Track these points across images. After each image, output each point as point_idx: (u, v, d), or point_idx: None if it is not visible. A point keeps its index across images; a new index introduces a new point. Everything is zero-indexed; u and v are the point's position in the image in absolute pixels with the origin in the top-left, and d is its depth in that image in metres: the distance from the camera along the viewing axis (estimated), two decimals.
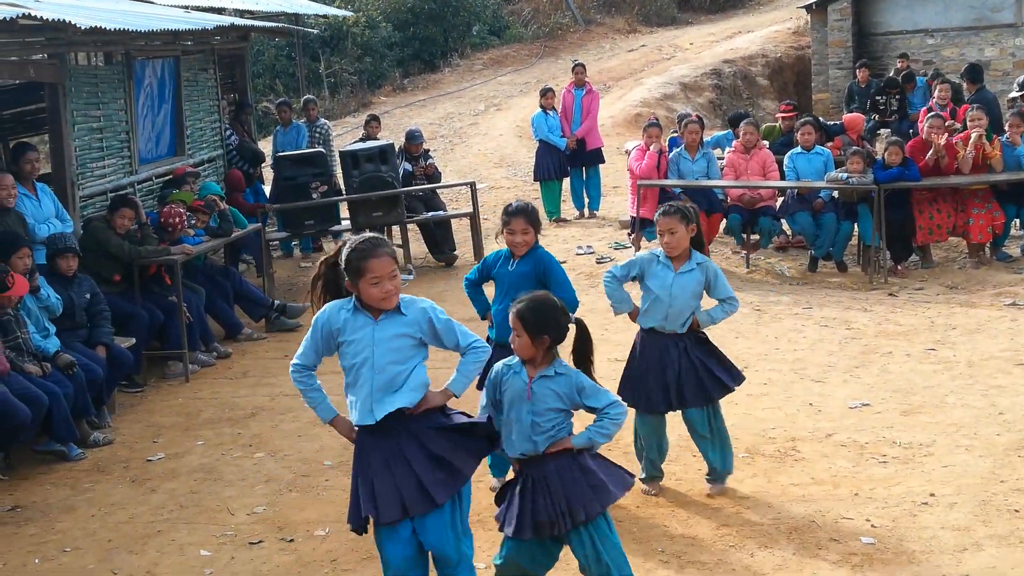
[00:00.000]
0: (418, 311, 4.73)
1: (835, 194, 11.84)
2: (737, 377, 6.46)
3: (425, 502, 4.63)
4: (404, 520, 4.65)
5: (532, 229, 6.36)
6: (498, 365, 5.00)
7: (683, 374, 6.29)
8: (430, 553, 4.78)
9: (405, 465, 4.65)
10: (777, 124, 14.09)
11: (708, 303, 6.41)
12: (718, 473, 6.49)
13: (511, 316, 4.80)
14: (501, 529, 4.94)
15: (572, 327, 4.91)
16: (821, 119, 14.06)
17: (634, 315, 6.49)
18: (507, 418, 4.89)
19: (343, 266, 4.66)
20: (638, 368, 6.43)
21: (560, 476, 4.77)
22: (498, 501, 5.01)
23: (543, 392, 4.81)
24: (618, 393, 6.18)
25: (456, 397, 4.84)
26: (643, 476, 6.52)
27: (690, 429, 6.48)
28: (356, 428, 4.76)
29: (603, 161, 15.53)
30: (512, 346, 4.86)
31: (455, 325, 4.78)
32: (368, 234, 4.76)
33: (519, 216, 6.33)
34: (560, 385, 4.82)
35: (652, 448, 6.50)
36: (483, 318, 6.75)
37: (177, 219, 10.10)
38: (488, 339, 6.42)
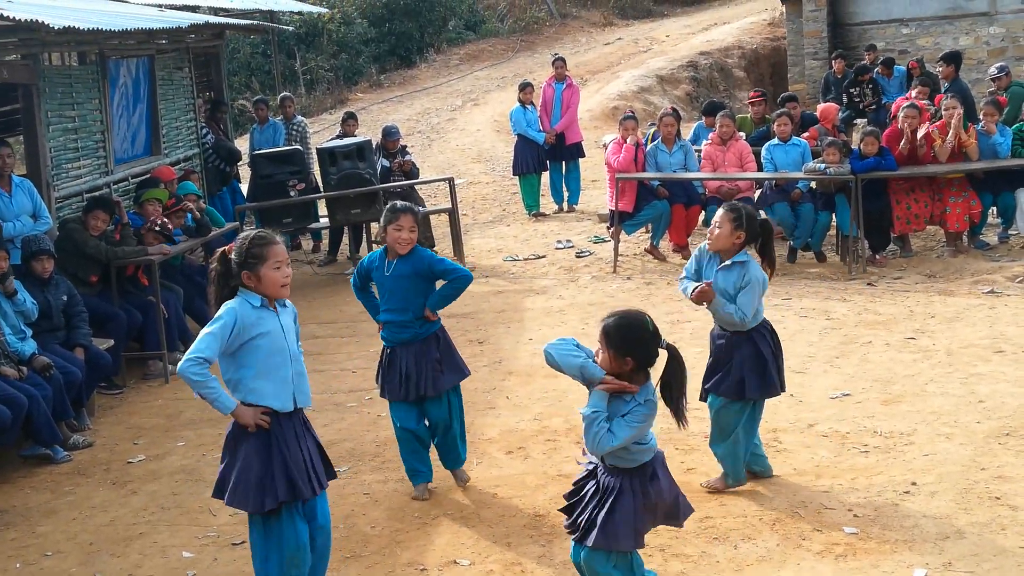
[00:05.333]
0: (290, 305, 5.15)
1: (812, 184, 11.86)
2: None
3: (320, 483, 5.09)
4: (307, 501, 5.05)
5: (418, 228, 6.48)
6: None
7: None
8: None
9: (308, 448, 5.07)
10: (748, 115, 14.14)
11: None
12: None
13: (598, 330, 4.63)
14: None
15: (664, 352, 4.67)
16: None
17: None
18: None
19: (243, 257, 4.89)
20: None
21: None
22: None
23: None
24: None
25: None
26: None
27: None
28: (263, 411, 4.96)
29: (583, 155, 15.57)
30: (596, 360, 4.64)
31: None
32: (261, 230, 5.08)
33: (408, 213, 6.39)
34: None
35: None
36: (375, 318, 6.75)
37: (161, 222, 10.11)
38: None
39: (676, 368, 4.64)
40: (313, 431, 5.18)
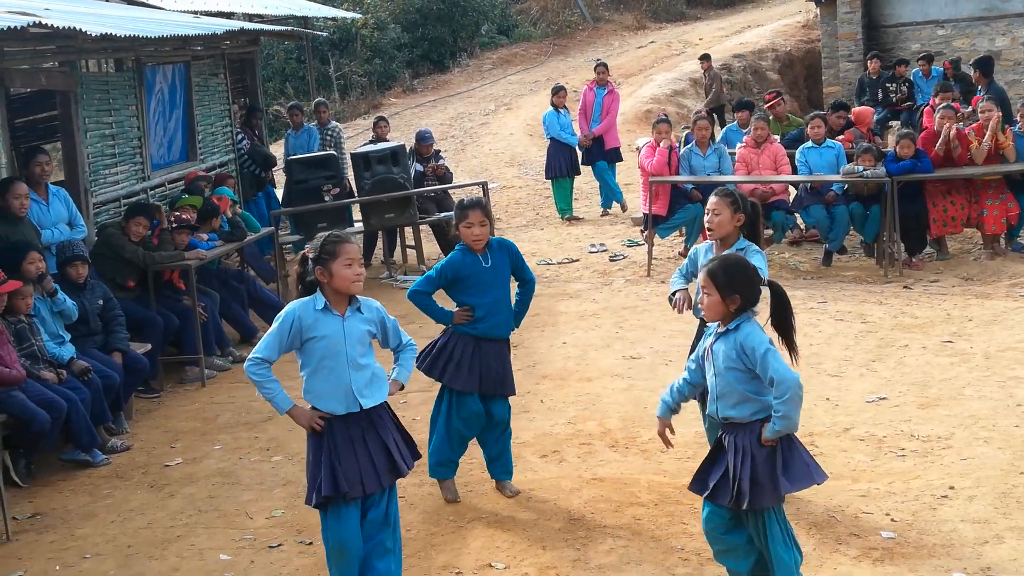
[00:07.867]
0: (374, 309, 5.18)
1: (847, 188, 11.79)
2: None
3: (376, 483, 5.10)
4: (358, 501, 5.09)
5: (489, 219, 6.46)
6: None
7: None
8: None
9: (364, 449, 5.09)
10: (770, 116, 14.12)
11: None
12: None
13: (702, 275, 4.74)
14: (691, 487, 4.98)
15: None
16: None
17: None
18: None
19: (317, 253, 5.02)
20: None
21: (750, 453, 4.69)
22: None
23: (719, 351, 4.75)
24: None
25: (403, 387, 5.39)
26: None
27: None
28: (320, 415, 5.10)
29: (620, 159, 15.56)
30: (701, 306, 4.81)
31: (398, 325, 5.29)
32: (336, 231, 5.21)
33: (475, 208, 6.35)
34: (730, 343, 4.70)
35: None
36: (449, 324, 6.51)
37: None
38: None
39: (782, 304, 4.76)
40: (390, 423, 5.23)
